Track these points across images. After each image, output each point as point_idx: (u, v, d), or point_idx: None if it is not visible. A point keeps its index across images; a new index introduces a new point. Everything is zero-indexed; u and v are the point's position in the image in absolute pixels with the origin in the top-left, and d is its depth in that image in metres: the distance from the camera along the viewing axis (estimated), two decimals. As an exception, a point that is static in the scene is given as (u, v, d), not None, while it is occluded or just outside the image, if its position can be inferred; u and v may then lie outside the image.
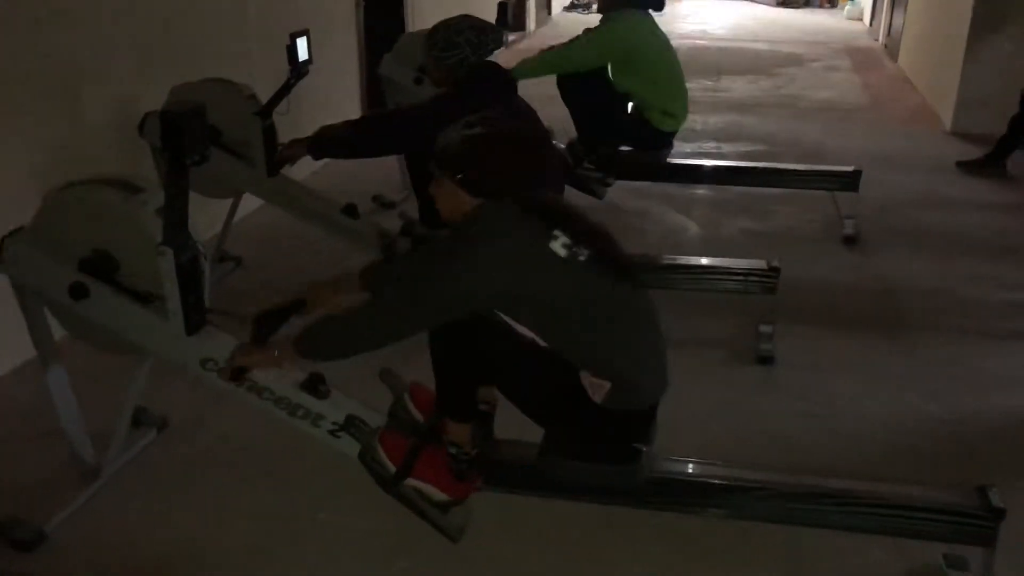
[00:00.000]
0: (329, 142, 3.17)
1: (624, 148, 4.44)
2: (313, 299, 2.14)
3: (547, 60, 4.16)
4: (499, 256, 1.80)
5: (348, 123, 3.17)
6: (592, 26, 4.19)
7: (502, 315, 1.87)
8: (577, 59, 4.14)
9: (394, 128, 3.15)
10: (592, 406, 1.87)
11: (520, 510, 2.24)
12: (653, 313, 1.96)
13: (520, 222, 1.82)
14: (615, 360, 1.87)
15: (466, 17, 3.12)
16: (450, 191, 1.88)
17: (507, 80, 3.17)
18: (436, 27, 3.11)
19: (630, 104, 4.31)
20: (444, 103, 3.04)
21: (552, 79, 4.23)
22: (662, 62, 4.26)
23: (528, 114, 3.06)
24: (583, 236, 1.84)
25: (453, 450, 1.98)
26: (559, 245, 1.80)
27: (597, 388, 1.86)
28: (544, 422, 2.01)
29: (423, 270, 1.88)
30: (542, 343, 1.87)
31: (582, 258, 1.81)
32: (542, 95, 6.87)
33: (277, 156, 3.37)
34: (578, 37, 4.16)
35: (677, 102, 4.29)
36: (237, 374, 2.03)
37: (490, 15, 4.76)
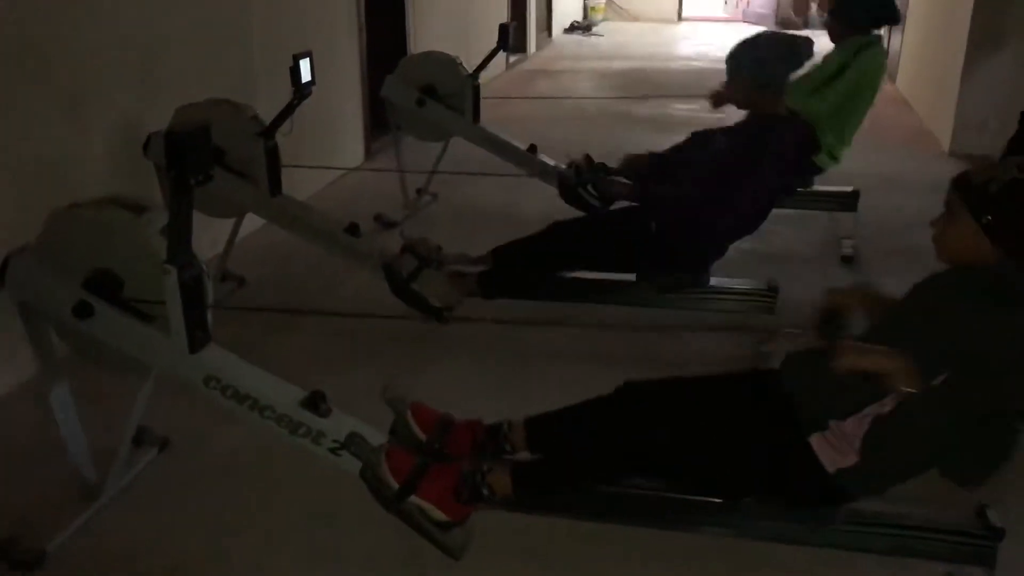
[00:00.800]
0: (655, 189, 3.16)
1: None
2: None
3: (824, 102, 3.87)
4: None
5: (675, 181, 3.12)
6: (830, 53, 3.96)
7: None
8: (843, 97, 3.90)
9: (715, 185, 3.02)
10: (816, 467, 1.83)
11: (521, 527, 2.24)
12: None
13: None
14: (925, 463, 1.82)
15: (773, 34, 2.98)
16: (967, 229, 1.72)
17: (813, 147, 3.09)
18: (745, 42, 2.96)
19: None
20: (756, 159, 2.92)
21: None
22: (871, 103, 4.05)
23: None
24: None
25: (485, 491, 1.95)
26: None
27: (839, 457, 1.82)
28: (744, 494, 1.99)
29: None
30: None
31: None
32: (537, 116, 6.83)
33: (607, 192, 3.40)
34: (827, 68, 3.88)
35: (848, 146, 4.12)
36: (864, 375, 1.64)
37: (491, 36, 4.82)
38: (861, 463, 1.81)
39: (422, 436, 2.06)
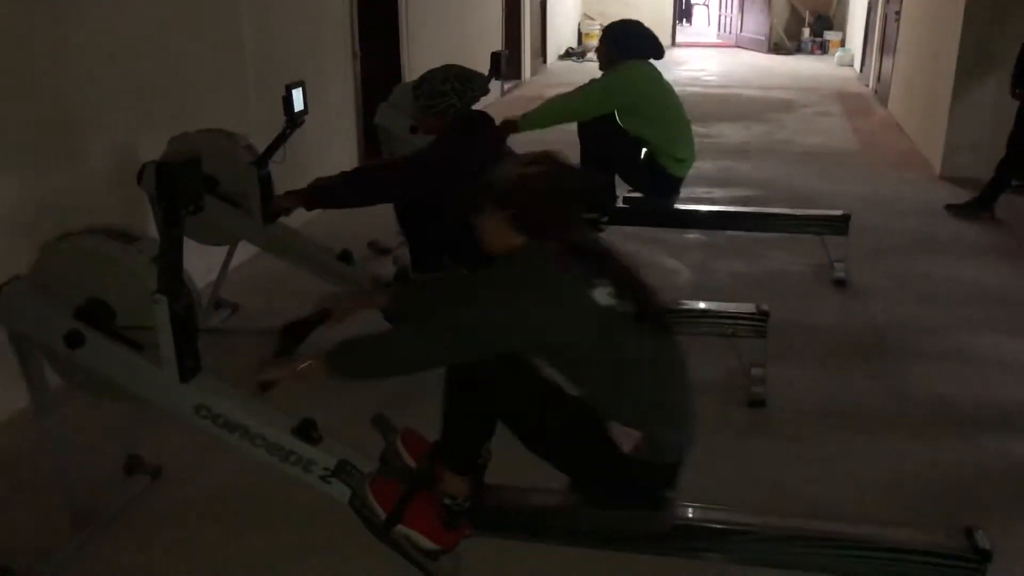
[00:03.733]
0: (323, 192, 3.23)
1: (634, 195, 4.49)
2: (336, 309, 2.17)
3: (553, 109, 4.19)
4: (539, 297, 1.81)
5: (342, 174, 3.22)
6: (596, 77, 4.25)
7: (532, 358, 1.89)
8: (583, 107, 4.18)
9: (385, 179, 3.22)
10: (620, 456, 1.88)
11: (510, 554, 2.24)
12: (684, 366, 1.97)
13: (564, 266, 1.84)
14: (647, 413, 1.88)
15: (450, 67, 3.20)
16: (496, 225, 1.90)
17: (494, 128, 3.23)
18: (422, 78, 3.19)
19: (642, 151, 4.31)
20: (431, 153, 3.10)
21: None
22: (671, 107, 4.31)
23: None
24: (625, 286, 1.86)
25: (448, 501, 1.98)
26: (601, 293, 1.82)
27: (627, 438, 1.87)
28: (569, 471, 2.01)
29: (462, 302, 1.89)
30: (570, 391, 1.89)
31: (622, 309, 1.83)
32: (532, 141, 6.83)
33: (271, 207, 3.42)
34: (585, 85, 4.21)
35: (687, 147, 4.34)
36: (266, 387, 2.00)
37: (486, 63, 4.87)
38: (642, 436, 1.90)
39: (412, 463, 2.06)
